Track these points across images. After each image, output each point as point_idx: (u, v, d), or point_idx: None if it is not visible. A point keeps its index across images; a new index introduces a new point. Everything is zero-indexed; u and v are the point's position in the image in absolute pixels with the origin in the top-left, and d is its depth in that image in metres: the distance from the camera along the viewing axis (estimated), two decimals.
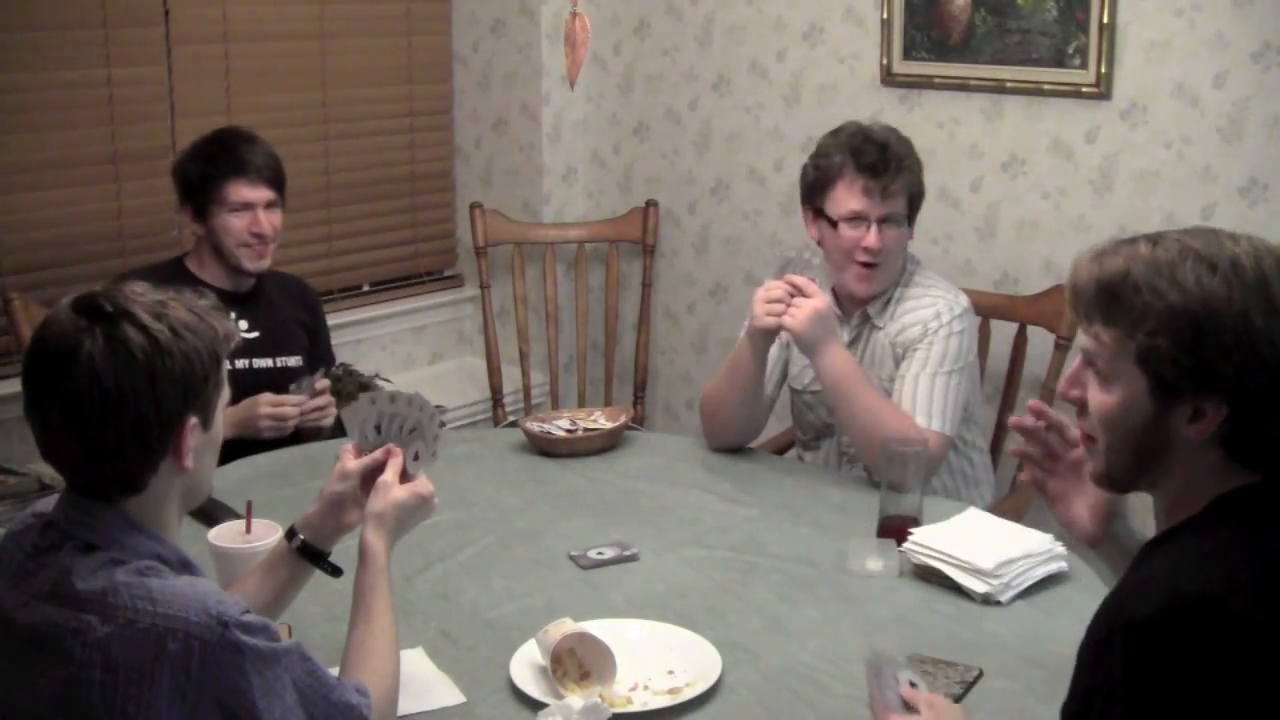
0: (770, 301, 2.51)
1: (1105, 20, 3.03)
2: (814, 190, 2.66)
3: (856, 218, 2.59)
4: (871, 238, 2.58)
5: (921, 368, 2.58)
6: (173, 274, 2.75)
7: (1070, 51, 3.10)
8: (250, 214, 2.84)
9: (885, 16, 3.38)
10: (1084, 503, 1.75)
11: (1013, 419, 1.79)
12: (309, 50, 3.73)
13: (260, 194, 2.86)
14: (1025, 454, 1.76)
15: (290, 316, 3.04)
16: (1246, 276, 1.38)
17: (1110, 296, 1.43)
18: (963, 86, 3.29)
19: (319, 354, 3.09)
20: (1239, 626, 1.30)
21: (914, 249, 3.30)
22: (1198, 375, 1.38)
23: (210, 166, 2.85)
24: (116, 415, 1.45)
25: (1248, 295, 1.37)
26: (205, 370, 1.51)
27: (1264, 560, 1.36)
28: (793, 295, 2.50)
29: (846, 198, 2.60)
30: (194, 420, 1.51)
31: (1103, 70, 3.06)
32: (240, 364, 2.85)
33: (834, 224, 2.62)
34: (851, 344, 2.70)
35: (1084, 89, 3.10)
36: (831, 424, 2.75)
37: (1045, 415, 1.74)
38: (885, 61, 3.41)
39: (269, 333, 2.94)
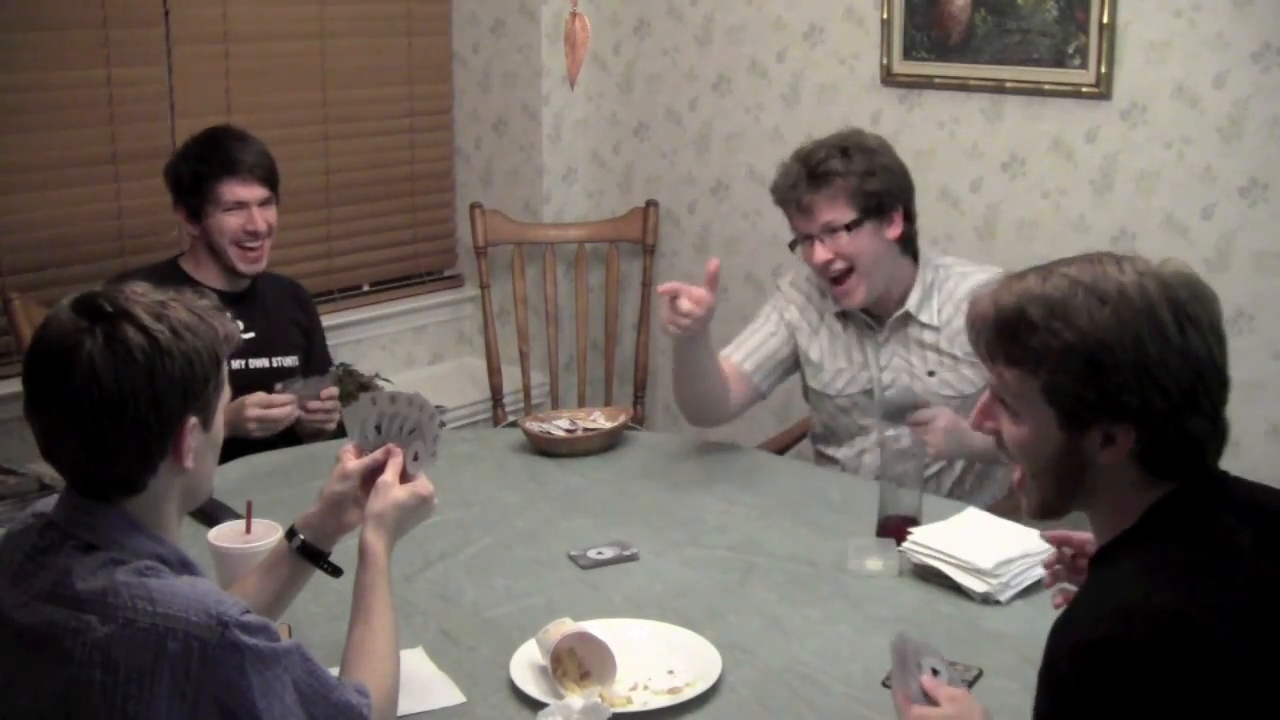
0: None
1: (1105, 20, 3.03)
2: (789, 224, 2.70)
3: (805, 238, 2.64)
4: (816, 252, 2.61)
5: None
6: (168, 275, 2.75)
7: (1070, 51, 3.10)
8: (245, 212, 2.84)
9: (885, 16, 3.38)
10: None
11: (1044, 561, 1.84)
12: (309, 50, 3.73)
13: (254, 192, 2.85)
14: (1055, 574, 1.82)
15: (285, 316, 3.03)
16: (1135, 304, 1.41)
17: (1008, 337, 1.46)
18: (963, 86, 3.29)
19: (315, 353, 3.09)
20: (1184, 635, 1.32)
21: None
22: (1102, 405, 1.42)
23: (202, 166, 2.84)
24: (116, 415, 1.45)
25: (1139, 323, 1.41)
26: (205, 371, 1.51)
27: (1196, 565, 1.38)
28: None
29: (794, 222, 2.66)
30: (194, 421, 1.51)
31: (1103, 70, 3.06)
32: (236, 364, 2.84)
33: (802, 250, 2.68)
34: (888, 343, 2.70)
35: (1084, 89, 3.10)
36: (866, 425, 2.75)
37: (1063, 540, 1.79)
38: (885, 61, 3.41)
39: (265, 333, 2.93)
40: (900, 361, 2.70)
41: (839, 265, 2.61)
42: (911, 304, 2.67)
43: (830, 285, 2.66)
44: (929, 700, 1.60)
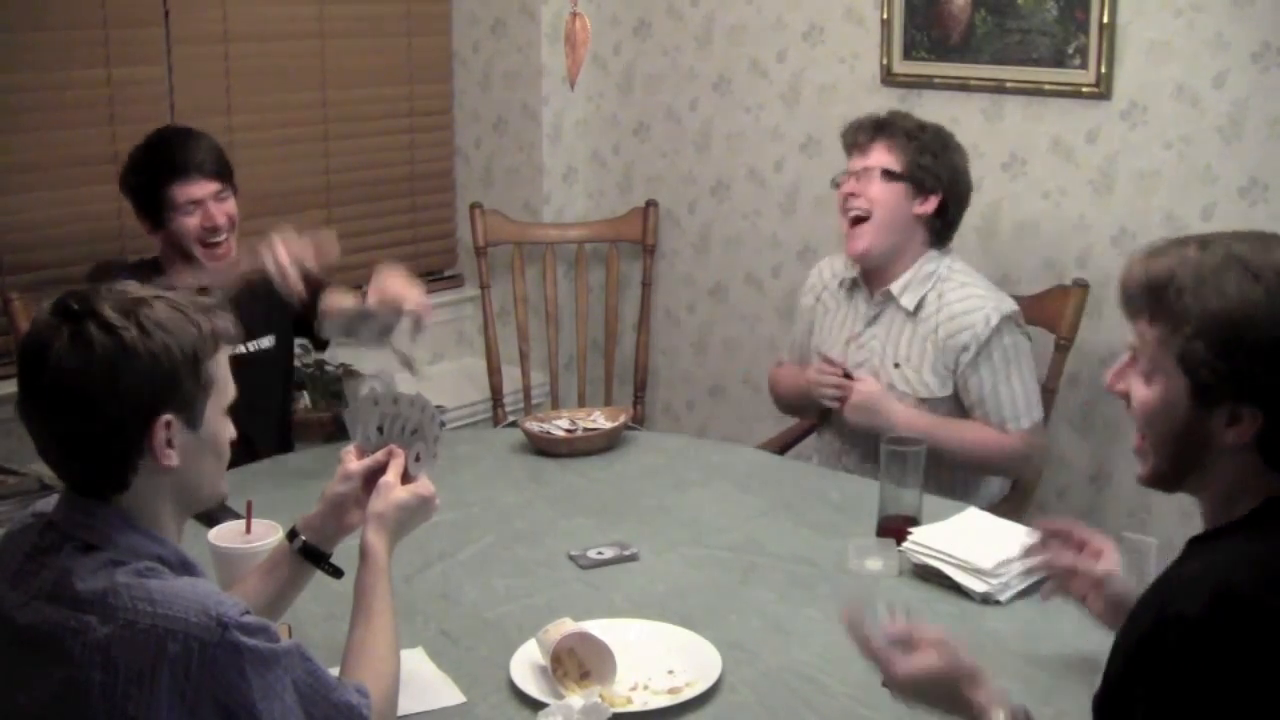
0: (824, 387, 2.73)
1: (1105, 20, 3.03)
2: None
3: (849, 175, 2.80)
4: (847, 183, 2.78)
5: (993, 376, 2.72)
6: (144, 272, 2.71)
7: (1070, 51, 3.10)
8: (200, 210, 2.75)
9: (885, 16, 3.38)
10: (1102, 598, 1.85)
11: (1038, 559, 1.90)
12: (309, 50, 3.73)
13: (205, 188, 2.75)
14: (1051, 573, 1.88)
15: (256, 300, 2.80)
16: None
17: (1155, 296, 1.46)
18: (963, 86, 3.29)
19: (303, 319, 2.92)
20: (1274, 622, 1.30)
21: None
22: (1235, 381, 1.40)
23: (150, 174, 2.76)
24: (81, 414, 1.46)
25: None
26: (177, 369, 1.49)
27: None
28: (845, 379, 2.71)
29: (850, 158, 2.82)
30: (169, 418, 1.50)
31: (1103, 70, 3.06)
32: None
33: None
34: (872, 322, 2.81)
35: (1084, 89, 3.10)
36: (829, 410, 2.83)
37: (1051, 529, 1.84)
38: (885, 61, 3.41)
39: (240, 318, 2.84)
40: (877, 344, 2.80)
41: (861, 204, 2.75)
42: (896, 286, 2.77)
43: (847, 227, 2.79)
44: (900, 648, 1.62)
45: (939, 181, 2.76)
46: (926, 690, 1.61)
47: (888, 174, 2.74)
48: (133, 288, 1.53)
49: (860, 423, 2.68)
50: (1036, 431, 2.78)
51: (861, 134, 2.79)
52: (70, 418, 1.46)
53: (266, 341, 2.90)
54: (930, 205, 2.76)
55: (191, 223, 2.75)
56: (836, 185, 2.84)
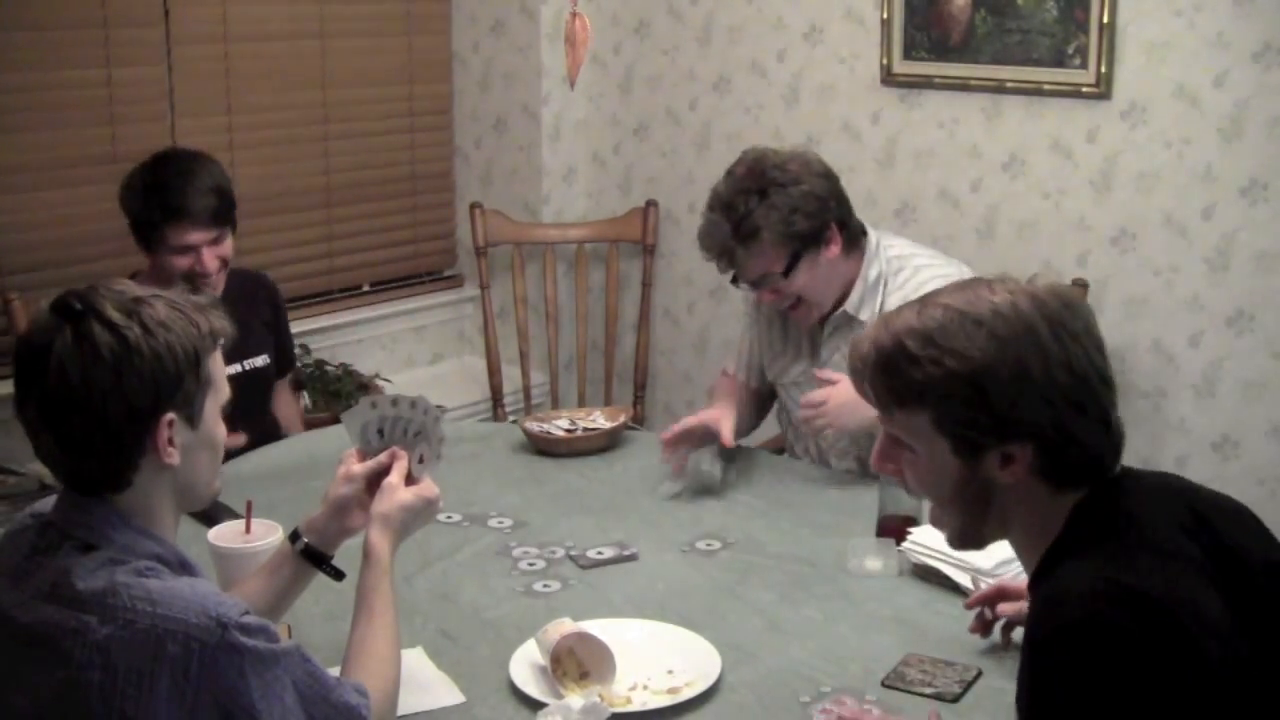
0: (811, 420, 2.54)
1: (1105, 20, 3.03)
2: None
3: (752, 286, 2.63)
4: (763, 296, 2.63)
5: None
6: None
7: (1070, 51, 3.10)
8: (193, 254, 2.72)
9: (885, 16, 3.38)
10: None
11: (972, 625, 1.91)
12: (309, 50, 3.73)
13: (201, 236, 2.72)
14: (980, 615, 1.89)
15: (254, 317, 2.95)
16: (1011, 323, 1.44)
17: (892, 373, 1.47)
18: (963, 86, 3.29)
19: (282, 350, 3.06)
20: (1146, 610, 1.33)
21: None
22: (994, 427, 1.43)
23: (149, 210, 2.72)
24: (85, 413, 1.46)
25: (1017, 341, 1.43)
26: (179, 367, 1.49)
27: (1135, 550, 1.40)
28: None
29: (731, 275, 2.65)
30: (171, 417, 1.50)
31: (1103, 70, 3.06)
32: None
33: None
34: (830, 337, 2.67)
35: (1084, 89, 3.10)
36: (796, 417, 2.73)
37: (980, 602, 1.88)
38: (885, 61, 3.41)
39: (233, 337, 2.86)
40: (840, 357, 2.63)
41: (787, 301, 2.62)
42: (850, 305, 2.63)
43: (789, 314, 2.68)
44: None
45: (823, 219, 2.55)
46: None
47: (786, 272, 2.55)
48: (130, 287, 1.53)
49: (850, 424, 2.50)
50: None
51: (723, 259, 2.58)
52: (74, 417, 1.46)
53: (261, 360, 2.94)
54: (835, 239, 2.58)
55: (183, 263, 2.72)
56: (737, 285, 2.67)
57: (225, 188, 2.79)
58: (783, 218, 2.52)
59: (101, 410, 1.46)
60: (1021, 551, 1.53)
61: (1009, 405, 1.42)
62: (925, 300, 1.50)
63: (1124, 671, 1.31)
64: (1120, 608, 1.33)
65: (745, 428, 2.83)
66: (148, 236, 2.75)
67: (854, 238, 2.64)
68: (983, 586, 2.06)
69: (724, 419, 2.64)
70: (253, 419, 2.86)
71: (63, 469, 1.52)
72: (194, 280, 2.73)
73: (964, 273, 2.59)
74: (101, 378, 1.45)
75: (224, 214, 2.77)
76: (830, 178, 2.62)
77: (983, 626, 1.89)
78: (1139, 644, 1.31)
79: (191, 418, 1.53)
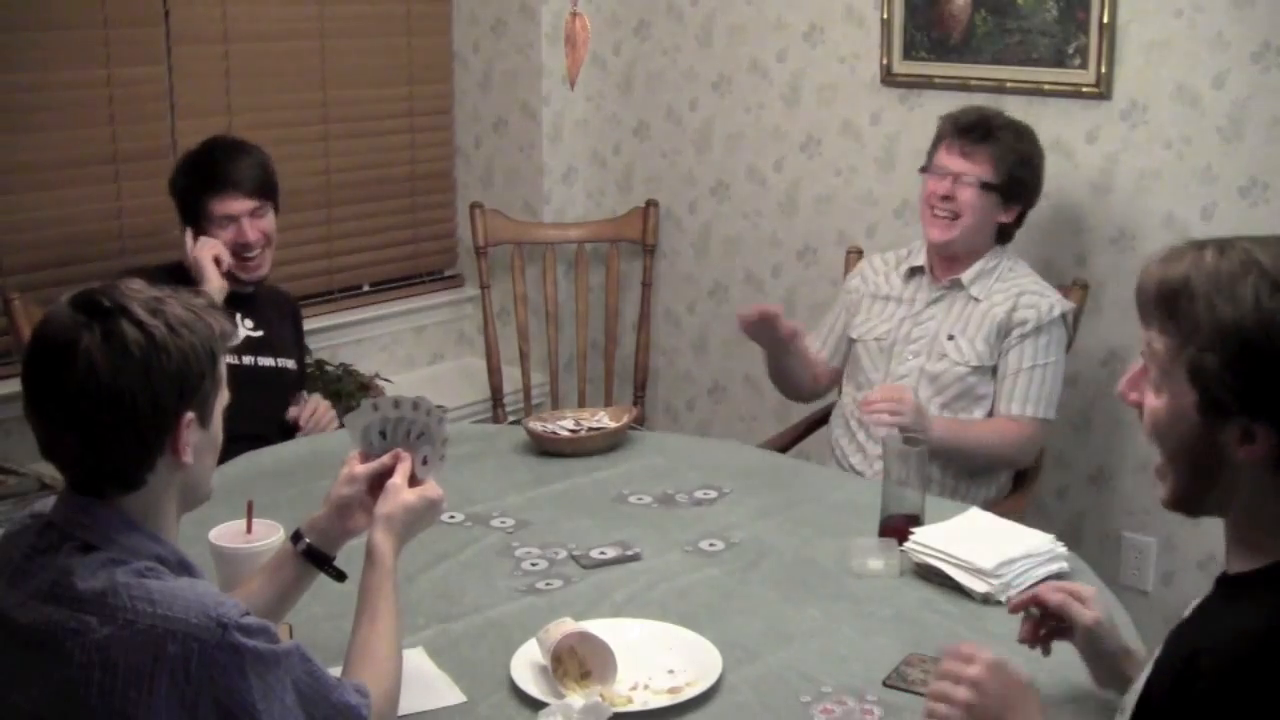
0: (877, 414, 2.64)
1: (1105, 20, 3.03)
2: (930, 152, 2.95)
3: (940, 171, 2.86)
4: (942, 185, 2.84)
5: (1034, 357, 2.81)
6: (171, 277, 2.75)
7: (1070, 51, 3.11)
8: (235, 226, 2.86)
9: (885, 16, 3.38)
10: (1081, 648, 1.78)
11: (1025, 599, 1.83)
12: (309, 50, 3.73)
13: (243, 205, 2.87)
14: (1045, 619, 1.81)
15: (281, 322, 3.07)
16: None
17: (1168, 304, 1.37)
18: (963, 86, 3.29)
19: (300, 362, 3.13)
20: None
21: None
22: (1246, 396, 1.33)
23: (193, 182, 2.88)
24: (113, 410, 1.46)
25: None
26: (201, 367, 1.51)
27: None
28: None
29: (937, 154, 2.89)
30: (191, 416, 1.51)
31: (1103, 70, 3.06)
32: (247, 360, 2.87)
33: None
34: (933, 303, 2.90)
35: (1084, 89, 3.10)
36: (873, 379, 2.92)
37: (1031, 602, 1.79)
38: (885, 61, 3.41)
39: (270, 333, 2.97)
40: (934, 323, 2.89)
41: (952, 208, 2.83)
42: (966, 276, 2.87)
43: (931, 216, 2.87)
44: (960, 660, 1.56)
45: (1026, 194, 2.89)
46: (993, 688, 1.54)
47: (985, 186, 2.82)
48: (145, 286, 1.53)
49: (907, 421, 2.55)
50: (1044, 428, 2.85)
51: (970, 138, 2.84)
52: (102, 414, 1.46)
53: (290, 363, 3.00)
54: (1012, 215, 2.89)
55: (226, 236, 2.86)
56: (925, 170, 2.91)
57: (269, 167, 2.95)
58: (1019, 153, 2.85)
59: (131, 407, 1.46)
60: (1234, 543, 1.41)
61: (1270, 378, 1.32)
62: (1232, 242, 1.38)
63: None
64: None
65: (806, 394, 3.10)
66: (194, 211, 2.88)
67: (1008, 233, 2.93)
68: (983, 587, 2.07)
69: (799, 328, 2.89)
70: (275, 416, 2.90)
71: (79, 467, 1.51)
72: (239, 255, 2.87)
73: (1061, 303, 2.85)
74: (131, 375, 1.46)
75: (267, 187, 2.92)
76: (1041, 185, 2.94)
77: (1033, 633, 1.80)
78: None
79: (205, 418, 1.54)
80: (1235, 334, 1.32)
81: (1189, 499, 1.42)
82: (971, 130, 2.84)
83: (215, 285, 2.79)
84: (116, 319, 1.46)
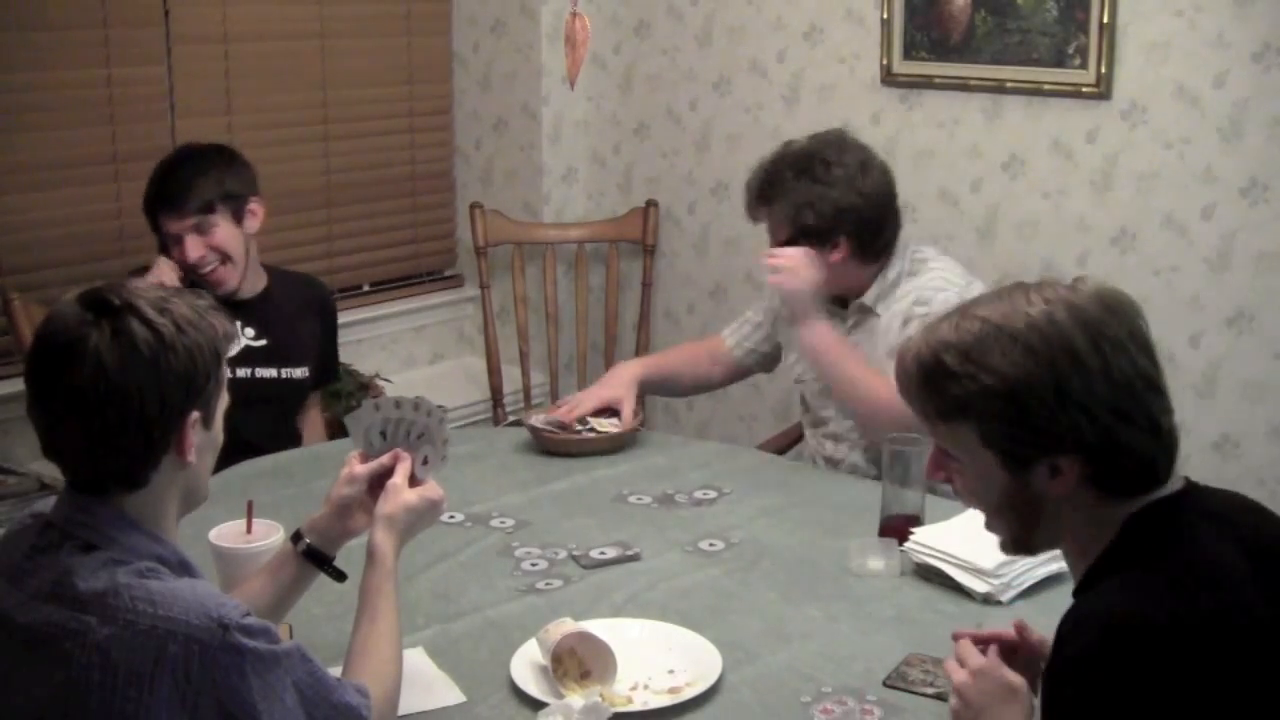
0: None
1: (1105, 20, 3.03)
2: None
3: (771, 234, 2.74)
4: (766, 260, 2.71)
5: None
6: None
7: (1070, 51, 3.11)
8: (179, 246, 2.75)
9: (885, 16, 3.38)
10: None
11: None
12: (309, 50, 3.73)
13: (180, 224, 2.74)
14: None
15: (301, 325, 2.96)
16: (1047, 336, 1.41)
17: (933, 390, 1.47)
18: (963, 86, 3.29)
19: (325, 362, 3.06)
20: (1167, 644, 1.32)
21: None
22: (1038, 441, 1.42)
23: (145, 202, 2.80)
24: (121, 408, 1.46)
25: (1053, 355, 1.41)
26: (207, 366, 1.51)
27: (1176, 579, 1.38)
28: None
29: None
30: (196, 415, 1.52)
31: (1103, 70, 3.06)
32: (242, 372, 2.77)
33: None
34: (854, 329, 2.71)
35: (1084, 89, 3.10)
36: (825, 416, 2.77)
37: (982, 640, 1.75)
38: (885, 61, 3.41)
39: (276, 342, 2.88)
40: (863, 346, 2.67)
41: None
42: (868, 297, 2.67)
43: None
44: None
45: (830, 228, 2.62)
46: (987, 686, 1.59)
47: (787, 241, 2.66)
48: (150, 285, 1.54)
49: (794, 285, 2.60)
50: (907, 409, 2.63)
51: (748, 208, 2.75)
52: (110, 410, 1.46)
53: (300, 371, 2.92)
54: (841, 252, 2.63)
55: (176, 254, 2.76)
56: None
57: (219, 175, 2.78)
58: (795, 204, 2.64)
59: (139, 405, 1.46)
60: (1072, 562, 1.51)
61: (1050, 420, 1.40)
62: (963, 311, 1.48)
63: (1126, 711, 1.31)
64: (1128, 641, 1.32)
65: (698, 388, 3.04)
66: (156, 231, 2.81)
67: (874, 252, 2.67)
68: (983, 587, 2.07)
69: (626, 399, 2.81)
70: (280, 429, 2.87)
71: (83, 464, 1.51)
72: (193, 272, 2.75)
73: (972, 285, 2.59)
74: (140, 373, 1.46)
75: (208, 200, 2.75)
76: (870, 198, 2.65)
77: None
78: (1141, 682, 1.31)
79: (208, 418, 1.55)
80: (1001, 393, 1.41)
81: (1024, 541, 1.53)
82: (748, 200, 2.73)
83: None
84: (125, 317, 1.47)
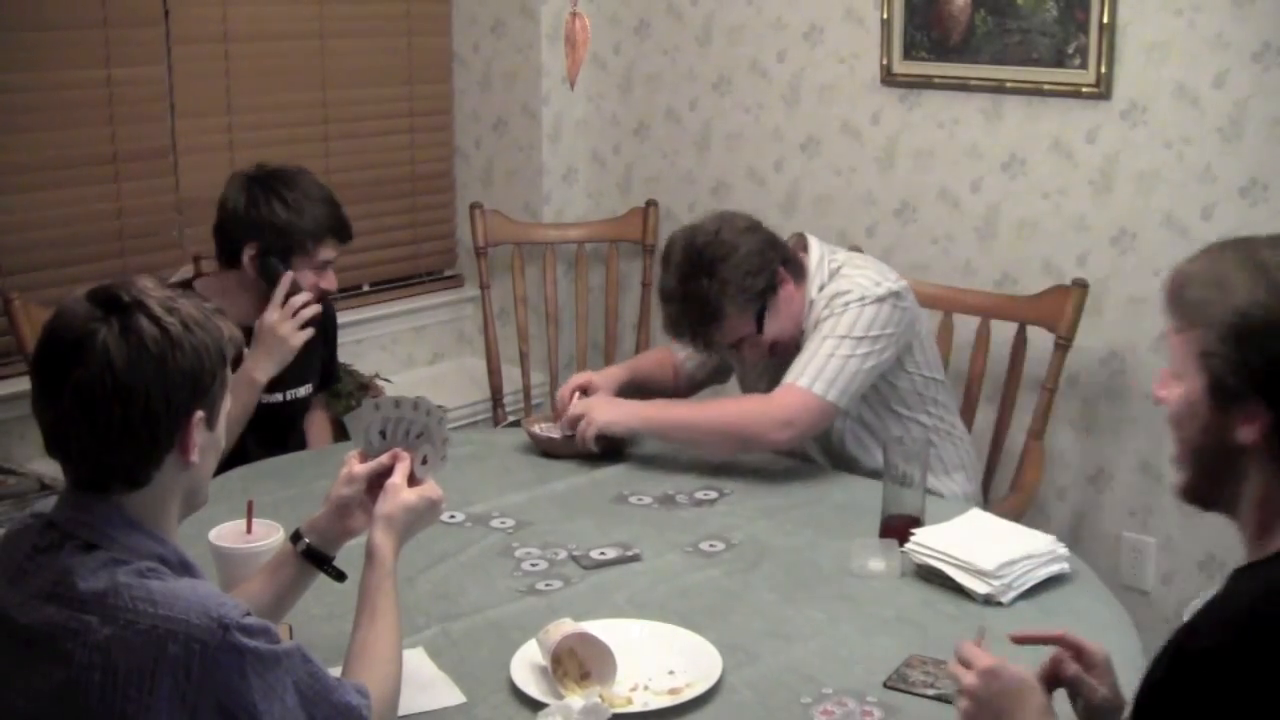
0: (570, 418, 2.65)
1: (1105, 20, 3.03)
2: None
3: (732, 349, 2.71)
4: (747, 353, 2.70)
5: (818, 340, 2.57)
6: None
7: (1070, 51, 3.11)
8: (323, 274, 2.82)
9: (885, 16, 3.38)
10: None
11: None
12: (309, 50, 3.73)
13: (334, 253, 2.84)
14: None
15: (310, 345, 2.88)
16: None
17: (1177, 299, 1.46)
18: (963, 86, 3.29)
19: (327, 368, 3.04)
20: None
21: (915, 249, 3.29)
22: (1250, 380, 1.39)
23: (310, 226, 2.77)
24: (128, 404, 1.46)
25: None
26: (213, 366, 1.52)
27: None
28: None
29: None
30: (201, 415, 1.52)
31: (1103, 70, 3.06)
32: None
33: None
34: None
35: (1084, 89, 3.10)
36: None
37: (1030, 641, 1.74)
38: (885, 61, 3.41)
39: (288, 368, 2.79)
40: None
41: (764, 351, 2.67)
42: (808, 324, 2.65)
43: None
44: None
45: (771, 270, 2.62)
46: (998, 688, 1.57)
47: (758, 330, 2.63)
48: (156, 284, 1.54)
49: (606, 427, 2.62)
50: (814, 404, 2.54)
51: (698, 342, 2.68)
52: (116, 406, 1.46)
53: (304, 390, 2.91)
54: (787, 282, 2.64)
55: (317, 279, 2.81)
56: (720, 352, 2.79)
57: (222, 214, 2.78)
58: (738, 286, 2.58)
59: (145, 401, 1.47)
60: (1246, 538, 1.46)
61: (1267, 359, 1.38)
62: (1243, 242, 1.46)
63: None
64: (1258, 640, 1.29)
65: (665, 395, 2.88)
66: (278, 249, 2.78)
67: (797, 268, 2.68)
68: (984, 588, 2.07)
69: (598, 381, 2.77)
70: (288, 442, 2.86)
71: (88, 461, 1.51)
72: (319, 299, 2.81)
73: (881, 283, 2.61)
74: (148, 370, 1.46)
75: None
76: (756, 228, 2.67)
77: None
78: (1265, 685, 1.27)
79: (212, 419, 1.55)
80: (1230, 323, 1.40)
81: (1201, 489, 1.48)
82: (695, 340, 2.66)
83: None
84: (134, 315, 1.47)
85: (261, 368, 2.66)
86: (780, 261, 2.65)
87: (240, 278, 2.74)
